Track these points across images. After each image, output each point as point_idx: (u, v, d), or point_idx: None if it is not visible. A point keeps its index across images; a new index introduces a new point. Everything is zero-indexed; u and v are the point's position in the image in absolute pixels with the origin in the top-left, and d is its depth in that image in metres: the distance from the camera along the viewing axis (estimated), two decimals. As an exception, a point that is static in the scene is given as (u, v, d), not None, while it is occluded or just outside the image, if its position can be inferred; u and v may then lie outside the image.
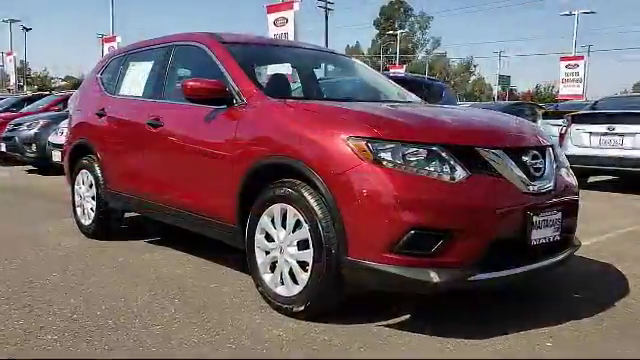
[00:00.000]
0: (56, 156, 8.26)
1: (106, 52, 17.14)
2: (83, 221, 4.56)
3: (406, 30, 63.41)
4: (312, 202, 2.54)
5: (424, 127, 2.63)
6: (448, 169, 2.41)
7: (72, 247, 4.15)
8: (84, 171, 4.53)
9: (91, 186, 4.44)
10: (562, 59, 24.81)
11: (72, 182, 4.73)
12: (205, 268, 3.57)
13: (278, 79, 3.56)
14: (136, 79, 4.16)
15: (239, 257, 3.23)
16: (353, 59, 4.55)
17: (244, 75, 3.19)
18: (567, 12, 32.97)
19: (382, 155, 2.41)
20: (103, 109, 4.31)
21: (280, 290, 2.75)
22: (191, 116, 3.37)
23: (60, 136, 8.23)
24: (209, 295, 3.05)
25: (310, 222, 2.55)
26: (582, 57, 25.51)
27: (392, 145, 2.43)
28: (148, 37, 4.40)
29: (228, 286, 3.20)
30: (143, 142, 3.74)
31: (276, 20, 13.27)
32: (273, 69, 4.13)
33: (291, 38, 12.01)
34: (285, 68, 4.21)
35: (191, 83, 3.10)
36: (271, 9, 13.02)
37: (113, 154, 4.16)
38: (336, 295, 2.61)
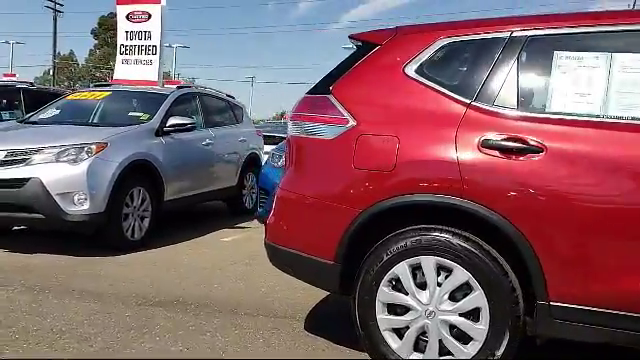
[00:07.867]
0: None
1: None
2: (422, 364, 2.19)
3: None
4: None
5: None
6: None
7: None
8: (433, 259, 2.18)
9: (468, 290, 2.15)
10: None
11: (369, 280, 2.29)
12: None
13: None
14: (609, 86, 2.12)
15: None
16: None
17: None
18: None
19: None
20: (525, 141, 2.10)
21: None
22: None
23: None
24: None
25: None
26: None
27: None
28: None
29: None
30: None
31: (130, 14, 10.34)
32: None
33: (156, 39, 9.15)
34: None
35: None
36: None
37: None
38: None
